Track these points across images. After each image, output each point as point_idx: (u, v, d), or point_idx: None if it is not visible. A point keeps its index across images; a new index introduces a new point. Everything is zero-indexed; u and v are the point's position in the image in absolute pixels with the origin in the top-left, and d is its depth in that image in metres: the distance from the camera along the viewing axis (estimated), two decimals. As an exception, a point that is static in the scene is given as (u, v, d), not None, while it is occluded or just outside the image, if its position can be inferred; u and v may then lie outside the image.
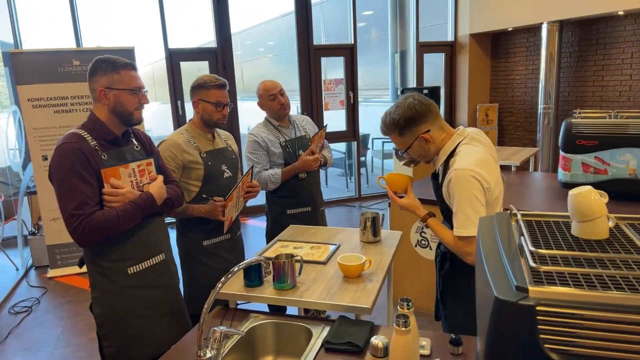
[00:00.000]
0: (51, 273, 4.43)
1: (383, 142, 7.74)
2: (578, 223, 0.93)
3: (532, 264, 0.73)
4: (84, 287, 4.15)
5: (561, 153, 3.05)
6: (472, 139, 1.66)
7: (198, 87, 2.21)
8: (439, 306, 1.90)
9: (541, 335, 0.67)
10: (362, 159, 6.85)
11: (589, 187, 0.92)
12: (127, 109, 1.71)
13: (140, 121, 1.78)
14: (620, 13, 5.09)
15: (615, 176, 2.86)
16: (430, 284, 3.30)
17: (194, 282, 2.24)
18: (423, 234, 3.27)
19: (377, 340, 0.99)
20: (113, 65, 1.69)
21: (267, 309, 2.37)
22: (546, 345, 0.66)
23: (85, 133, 1.67)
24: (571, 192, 0.93)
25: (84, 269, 1.79)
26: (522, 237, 0.83)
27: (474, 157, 1.56)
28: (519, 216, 0.89)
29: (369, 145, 7.81)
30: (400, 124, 1.65)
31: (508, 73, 6.69)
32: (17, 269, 4.58)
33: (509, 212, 1.08)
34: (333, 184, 7.59)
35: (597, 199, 0.91)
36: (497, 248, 0.90)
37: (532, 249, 0.74)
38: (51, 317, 3.60)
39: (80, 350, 3.09)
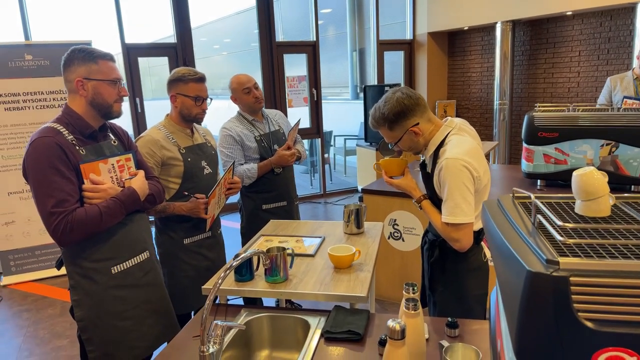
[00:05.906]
0: (5, 280, 4.17)
1: (345, 139, 7.81)
2: (583, 202, 0.98)
3: (559, 237, 0.76)
4: (42, 293, 3.93)
5: (524, 145, 3.20)
6: (460, 129, 1.71)
7: (176, 81, 2.14)
8: (425, 292, 1.95)
9: (575, 305, 0.70)
10: (325, 155, 6.89)
11: (592, 167, 0.98)
12: (107, 100, 1.64)
13: (119, 114, 1.72)
14: (569, 13, 5.40)
15: (575, 166, 3.03)
16: (404, 274, 3.38)
17: (176, 281, 2.18)
18: (396, 227, 3.33)
19: (394, 324, 1.00)
20: (91, 55, 1.61)
21: (242, 303, 2.34)
22: (580, 314, 0.70)
23: (61, 127, 1.59)
24: (575, 172, 0.98)
25: (63, 271, 1.70)
26: (539, 215, 0.87)
27: (465, 146, 1.61)
28: (532, 197, 0.94)
29: (332, 143, 7.85)
30: (390, 119, 1.68)
31: (465, 70, 6.93)
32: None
33: (512, 195, 1.13)
34: (297, 181, 7.57)
35: (600, 178, 0.96)
36: (512, 227, 0.93)
37: (560, 223, 0.78)
38: (10, 326, 3.39)
39: (45, 360, 2.93)
